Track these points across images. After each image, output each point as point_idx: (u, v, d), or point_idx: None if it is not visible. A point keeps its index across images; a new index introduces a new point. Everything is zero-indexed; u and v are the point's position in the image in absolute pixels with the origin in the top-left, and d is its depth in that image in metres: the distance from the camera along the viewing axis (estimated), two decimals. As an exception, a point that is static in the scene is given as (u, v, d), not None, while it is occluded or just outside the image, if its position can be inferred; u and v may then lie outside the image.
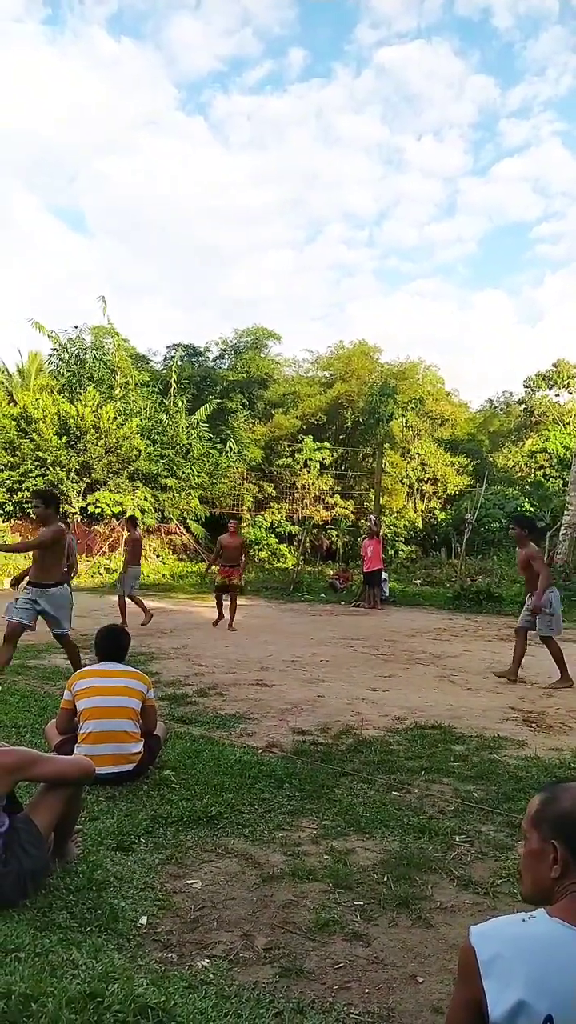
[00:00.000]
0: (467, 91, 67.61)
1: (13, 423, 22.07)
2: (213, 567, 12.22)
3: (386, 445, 26.48)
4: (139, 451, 23.08)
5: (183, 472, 24.37)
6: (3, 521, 21.85)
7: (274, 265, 69.17)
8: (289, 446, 28.18)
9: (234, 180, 67.11)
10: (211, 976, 2.39)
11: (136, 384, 25.93)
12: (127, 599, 11.29)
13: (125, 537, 12.87)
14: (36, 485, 21.55)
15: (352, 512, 27.24)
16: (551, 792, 1.59)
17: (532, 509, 24.05)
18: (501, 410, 36.33)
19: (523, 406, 33.88)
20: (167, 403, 25.81)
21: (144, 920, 2.72)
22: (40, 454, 21.72)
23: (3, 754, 2.73)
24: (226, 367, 31.28)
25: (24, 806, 2.86)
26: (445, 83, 66.80)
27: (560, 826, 1.52)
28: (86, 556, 22.68)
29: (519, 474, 30.02)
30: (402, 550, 25.50)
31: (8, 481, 21.59)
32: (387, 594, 12.03)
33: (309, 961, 2.52)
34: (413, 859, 3.28)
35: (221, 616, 11.27)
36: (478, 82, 65.64)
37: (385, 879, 3.11)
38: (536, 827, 1.56)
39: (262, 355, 31.64)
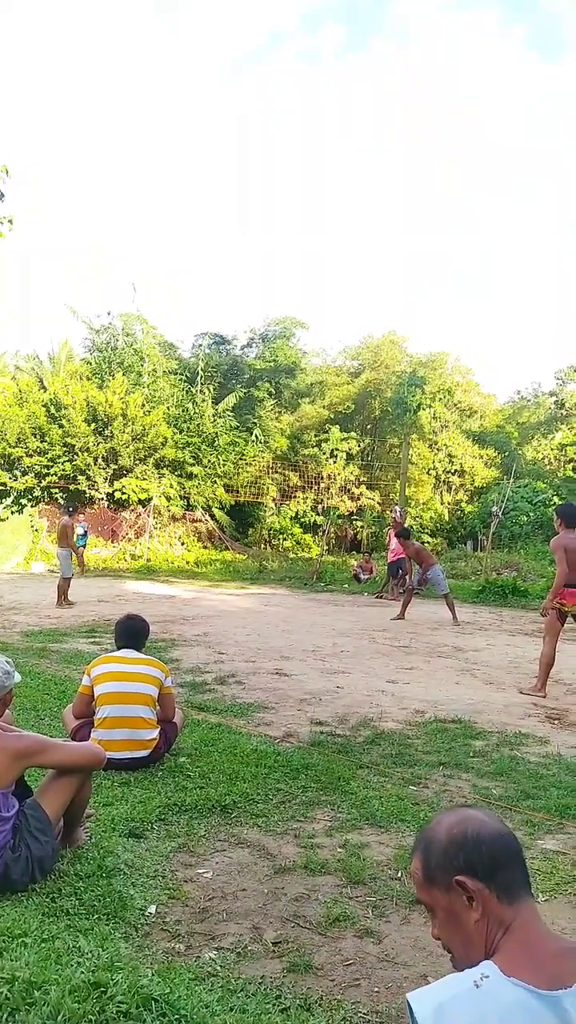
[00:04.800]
0: None
1: (43, 409, 22.27)
2: None
3: (413, 436, 26.29)
4: (165, 439, 23.17)
5: (209, 460, 24.42)
6: (32, 506, 22.08)
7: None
8: (315, 435, 28.12)
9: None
10: (218, 968, 2.36)
11: (164, 372, 26.00)
12: None
13: None
14: (64, 471, 21.77)
15: (378, 503, 27.12)
16: (421, 845, 1.39)
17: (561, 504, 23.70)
18: (530, 402, 35.86)
19: (554, 398, 33.38)
20: (194, 391, 25.84)
21: (153, 909, 2.70)
22: (69, 440, 21.88)
23: (13, 739, 2.72)
24: (253, 356, 31.23)
25: (34, 791, 2.85)
26: None
27: (452, 859, 1.30)
28: (112, 542, 22.88)
29: (548, 467, 29.63)
30: (427, 542, 25.38)
31: (37, 466, 21.78)
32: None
33: (318, 957, 2.48)
34: (428, 856, 3.22)
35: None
36: None
37: (399, 875, 3.06)
38: (433, 884, 1.33)
39: (290, 344, 31.53)
